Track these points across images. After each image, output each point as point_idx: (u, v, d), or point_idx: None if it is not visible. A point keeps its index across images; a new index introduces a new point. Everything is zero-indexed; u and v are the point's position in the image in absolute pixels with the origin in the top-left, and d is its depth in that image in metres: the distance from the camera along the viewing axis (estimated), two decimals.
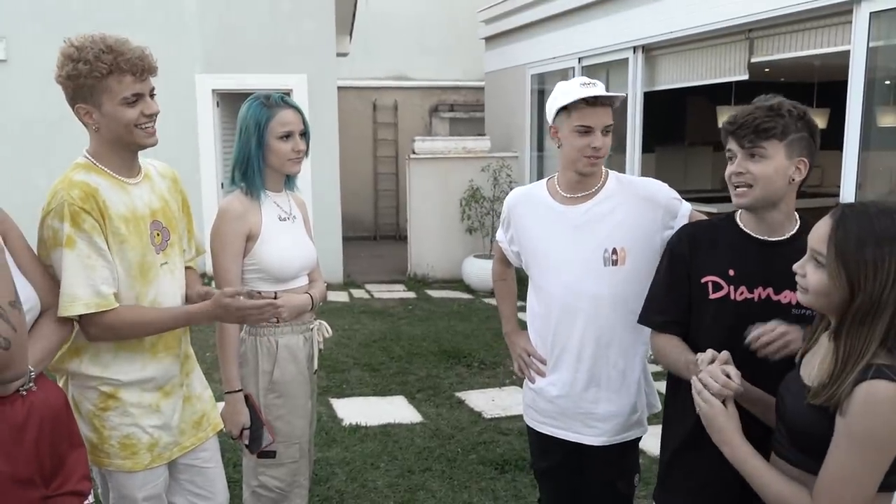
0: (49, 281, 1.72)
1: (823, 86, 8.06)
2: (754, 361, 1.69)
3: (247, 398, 2.19)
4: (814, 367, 1.44)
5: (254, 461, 2.25)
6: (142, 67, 1.79)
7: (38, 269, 1.69)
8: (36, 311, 1.64)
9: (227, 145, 8.20)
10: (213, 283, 2.21)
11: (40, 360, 1.60)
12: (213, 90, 7.78)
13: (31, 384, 1.55)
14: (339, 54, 8.46)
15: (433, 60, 11.77)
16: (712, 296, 1.81)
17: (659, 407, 2.14)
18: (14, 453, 1.48)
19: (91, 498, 1.69)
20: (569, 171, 2.11)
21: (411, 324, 6.48)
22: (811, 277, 1.43)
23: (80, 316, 1.74)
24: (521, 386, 4.75)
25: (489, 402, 4.59)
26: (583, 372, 2.12)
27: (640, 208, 2.09)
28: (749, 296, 1.79)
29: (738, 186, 1.76)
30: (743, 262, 1.80)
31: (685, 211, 2.13)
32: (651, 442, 2.30)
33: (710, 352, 1.62)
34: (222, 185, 7.97)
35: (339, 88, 8.14)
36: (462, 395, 4.71)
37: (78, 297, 1.72)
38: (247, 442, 2.18)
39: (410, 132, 10.90)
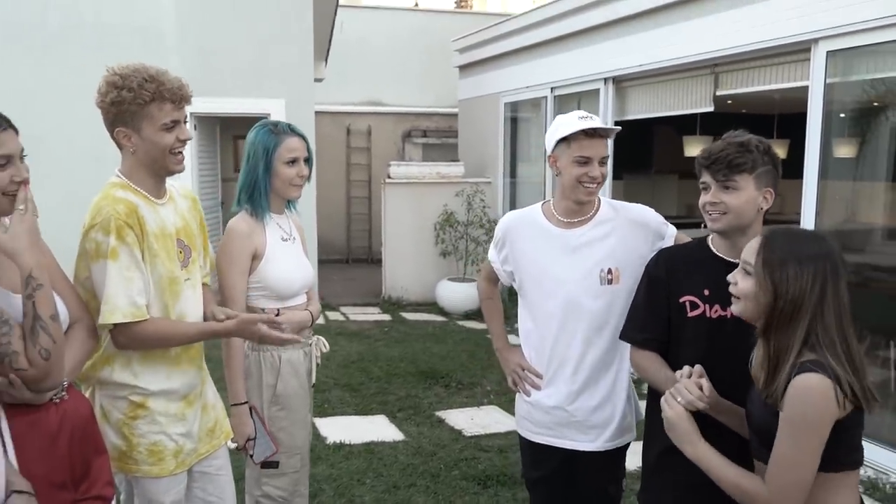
0: (76, 295, 1.82)
1: (784, 118, 8.44)
2: (728, 374, 1.85)
3: (252, 410, 2.29)
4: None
5: (257, 471, 2.34)
6: (180, 96, 1.92)
7: (67, 283, 1.79)
8: (66, 324, 1.73)
9: (203, 168, 8.25)
10: (219, 299, 2.31)
11: (70, 370, 1.69)
12: (191, 113, 7.84)
13: (63, 393, 1.64)
14: (315, 80, 8.59)
15: (407, 87, 11.98)
16: (690, 314, 1.98)
17: (643, 414, 2.29)
18: (50, 458, 1.56)
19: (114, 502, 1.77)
20: (567, 199, 2.27)
21: (388, 345, 6.57)
22: (741, 284, 1.64)
23: (115, 324, 1.84)
24: (499, 406, 4.91)
25: (468, 420, 4.70)
26: (579, 383, 2.26)
27: (633, 232, 2.26)
28: (723, 313, 1.96)
29: (712, 214, 1.94)
30: (716, 282, 1.96)
31: (671, 233, 2.31)
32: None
33: (687, 368, 1.82)
34: None
35: (315, 113, 8.26)
36: (442, 414, 4.82)
37: (118, 308, 1.82)
38: (252, 452, 2.27)
39: (384, 157, 11.06)
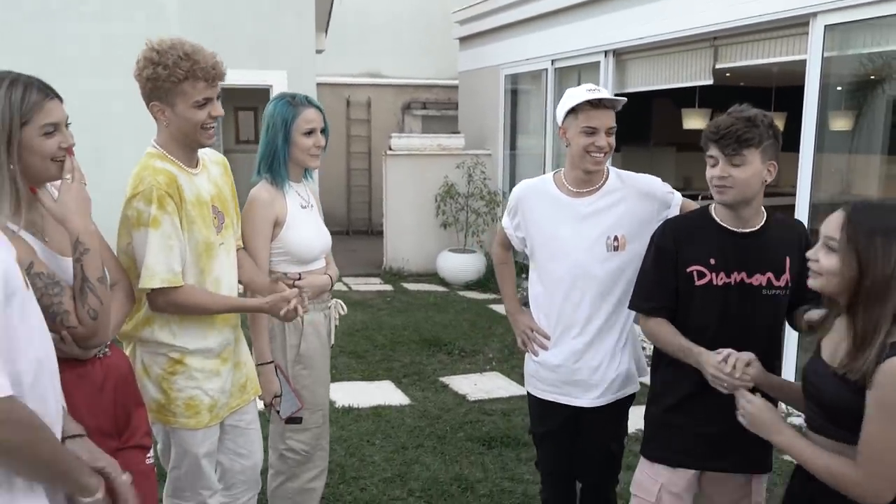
0: (115, 259, 1.92)
1: (781, 91, 8.50)
2: (734, 339, 1.98)
3: (277, 369, 2.41)
4: (834, 348, 1.63)
5: (281, 426, 2.47)
6: (213, 75, 2.01)
7: (107, 248, 1.89)
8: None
9: None
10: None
11: (112, 329, 1.80)
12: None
13: (106, 349, 1.76)
14: (316, 51, 8.61)
15: (406, 58, 11.97)
16: (698, 283, 2.09)
17: (647, 370, 2.43)
18: (97, 408, 1.69)
19: (151, 452, 1.89)
20: (577, 168, 2.37)
21: (391, 315, 6.71)
22: (824, 261, 1.60)
23: (153, 289, 1.95)
24: (501, 372, 5.06)
25: (472, 385, 4.85)
26: (583, 344, 2.39)
27: (640, 201, 2.37)
28: (727, 280, 2.08)
29: (720, 187, 2.03)
30: (721, 251, 2.08)
31: (677, 201, 2.42)
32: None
33: (725, 351, 1.90)
34: None
35: (315, 85, 8.30)
36: (446, 379, 4.96)
37: (157, 273, 1.94)
38: (278, 408, 2.40)
39: (383, 129, 11.10)
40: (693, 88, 6.97)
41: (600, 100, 2.27)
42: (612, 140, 2.32)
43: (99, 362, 1.73)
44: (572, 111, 2.31)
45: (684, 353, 2.04)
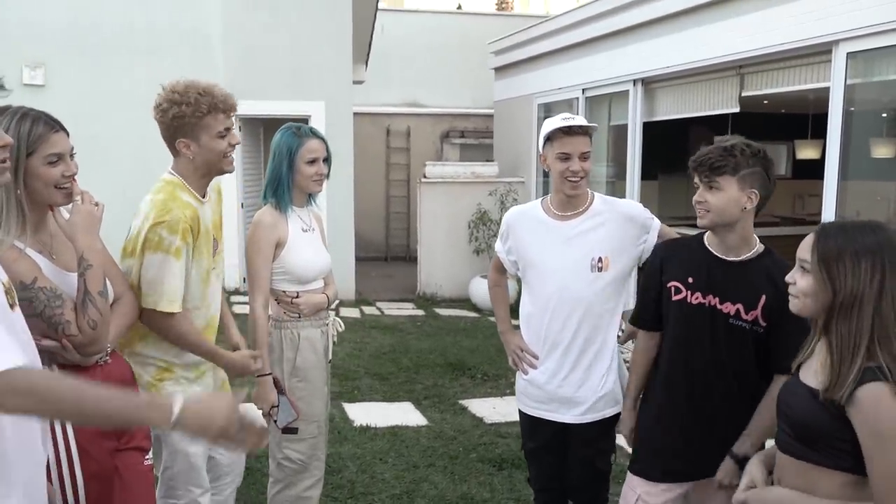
0: (121, 274, 2.09)
1: (819, 118, 8.40)
2: (700, 356, 2.12)
3: (274, 381, 2.55)
4: (815, 371, 1.62)
5: (279, 436, 2.60)
6: (230, 105, 2.24)
7: (114, 264, 2.06)
8: (111, 299, 2.00)
9: (248, 167, 8.63)
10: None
11: (113, 337, 1.96)
12: (236, 116, 8.20)
13: (107, 357, 1.92)
14: (355, 82, 8.90)
15: (445, 88, 12.23)
16: (674, 298, 2.19)
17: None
18: None
19: (150, 454, 2.04)
20: (559, 192, 2.49)
21: (419, 339, 6.82)
22: (800, 283, 1.64)
23: (153, 309, 2.13)
24: None
25: (490, 409, 4.91)
26: (569, 361, 2.48)
27: (622, 224, 2.48)
28: (702, 301, 2.15)
29: (699, 211, 2.14)
30: (700, 272, 2.17)
31: (656, 226, 2.52)
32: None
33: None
34: (242, 204, 8.38)
35: (355, 114, 8.56)
36: (465, 402, 5.03)
37: (175, 300, 2.14)
38: (276, 418, 2.54)
39: (422, 157, 11.32)
40: (726, 116, 6.99)
41: (570, 127, 2.37)
42: (587, 165, 2.42)
43: (100, 369, 1.89)
44: (549, 139, 2.42)
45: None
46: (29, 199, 1.76)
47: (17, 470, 1.41)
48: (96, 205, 1.87)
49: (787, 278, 1.72)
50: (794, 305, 1.69)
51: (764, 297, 2.07)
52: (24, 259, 1.72)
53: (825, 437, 1.57)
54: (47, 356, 1.77)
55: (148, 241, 2.14)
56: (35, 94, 7.27)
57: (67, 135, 1.83)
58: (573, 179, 2.40)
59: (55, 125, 1.81)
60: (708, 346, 2.13)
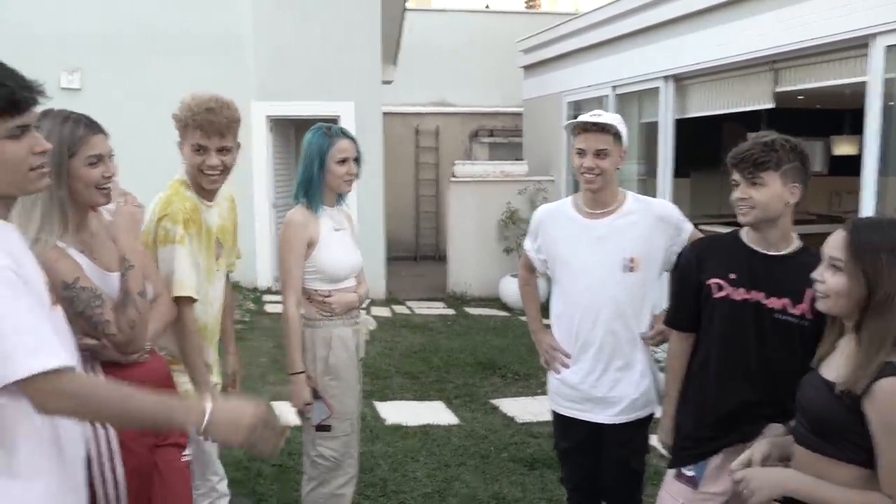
0: (160, 275, 2.13)
1: (856, 113, 8.23)
2: (745, 353, 2.08)
3: (308, 378, 2.58)
4: (837, 367, 1.64)
5: (312, 434, 2.63)
6: (212, 127, 2.24)
7: (153, 265, 2.10)
8: (151, 299, 2.04)
9: (278, 167, 8.72)
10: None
11: (152, 336, 2.00)
12: (267, 116, 8.32)
13: (146, 355, 1.96)
14: (384, 82, 8.94)
15: (474, 87, 12.23)
16: (716, 295, 2.16)
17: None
18: None
19: (188, 450, 2.07)
20: (583, 190, 2.49)
21: (449, 338, 6.82)
22: (830, 281, 1.63)
23: (176, 297, 2.18)
24: None
25: (522, 408, 4.90)
26: (602, 361, 2.46)
27: (655, 224, 2.46)
28: (746, 297, 2.13)
29: (741, 208, 2.11)
30: (743, 268, 2.14)
31: (688, 229, 2.51)
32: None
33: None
34: (273, 204, 8.47)
35: (384, 114, 8.60)
36: (496, 402, 5.03)
37: (186, 285, 2.18)
38: (309, 415, 2.57)
39: (451, 156, 11.33)
40: (759, 112, 6.88)
41: (584, 123, 2.38)
42: (604, 162, 2.40)
43: (139, 367, 1.92)
44: (572, 135, 2.43)
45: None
46: (70, 200, 1.80)
47: (66, 452, 1.46)
48: (138, 206, 1.92)
49: (814, 275, 1.71)
50: (824, 304, 1.69)
51: (809, 291, 2.04)
52: (66, 259, 1.76)
53: (840, 431, 1.59)
54: (88, 354, 1.82)
55: (157, 237, 2.22)
56: (72, 98, 7.42)
57: (107, 137, 1.88)
58: (587, 175, 2.40)
59: (95, 127, 1.85)
60: (753, 343, 2.10)
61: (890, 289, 1.54)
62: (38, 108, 1.45)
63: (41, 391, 1.31)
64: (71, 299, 1.75)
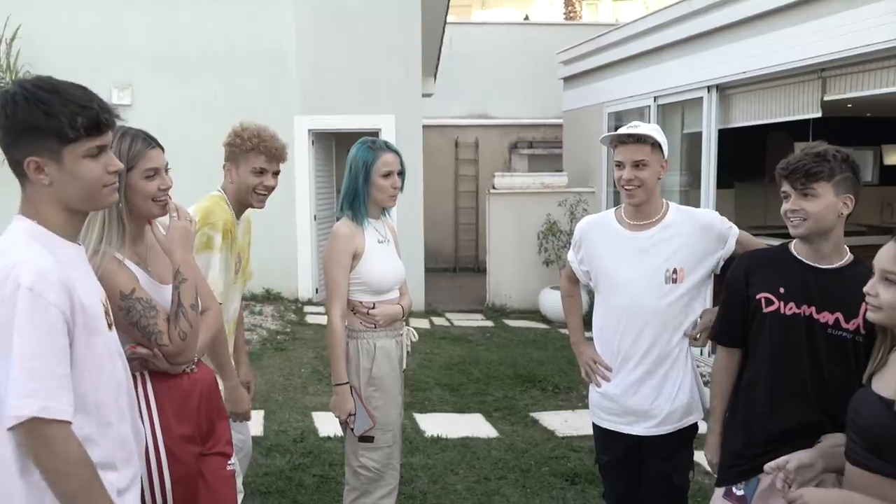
0: (209, 289, 2.18)
1: None
2: (799, 369, 2.03)
3: (351, 389, 2.61)
4: (893, 383, 1.61)
5: (355, 445, 2.65)
6: (274, 153, 2.52)
7: (202, 277, 2.15)
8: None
9: (320, 181, 8.83)
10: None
11: (200, 348, 2.04)
12: (309, 130, 8.44)
13: (194, 366, 2.00)
14: (424, 95, 9.00)
15: (513, 99, 12.24)
16: (765, 310, 2.12)
17: (707, 404, 2.44)
18: (183, 416, 1.92)
19: (233, 460, 2.11)
20: (624, 202, 2.48)
21: (489, 350, 6.81)
22: (884, 295, 1.61)
23: None
24: None
25: (562, 422, 4.85)
26: (643, 373, 2.44)
27: (698, 235, 2.43)
28: (797, 311, 2.08)
29: (793, 220, 2.07)
30: (793, 282, 2.10)
31: (735, 233, 2.47)
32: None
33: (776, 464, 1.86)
34: (315, 216, 8.57)
35: (424, 127, 8.65)
36: (536, 415, 4.99)
37: (217, 289, 2.32)
38: (352, 426, 2.59)
39: (490, 168, 11.34)
40: (807, 121, 6.74)
41: (620, 135, 2.38)
42: (643, 173, 2.38)
43: (187, 377, 1.97)
44: (612, 148, 2.44)
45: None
46: (128, 212, 1.87)
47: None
48: (190, 221, 1.97)
49: (867, 288, 1.68)
50: (877, 317, 1.66)
51: (863, 306, 1.98)
52: (123, 270, 1.82)
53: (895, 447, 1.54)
54: (138, 363, 1.86)
55: (197, 244, 2.30)
56: (123, 113, 7.59)
57: (163, 150, 1.94)
58: (627, 188, 2.40)
59: (152, 141, 1.92)
60: (806, 358, 2.05)
61: None
62: None
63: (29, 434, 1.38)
64: (127, 309, 1.80)
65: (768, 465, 1.85)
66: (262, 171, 2.52)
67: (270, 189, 2.56)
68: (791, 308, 2.08)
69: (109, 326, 1.57)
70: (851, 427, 1.69)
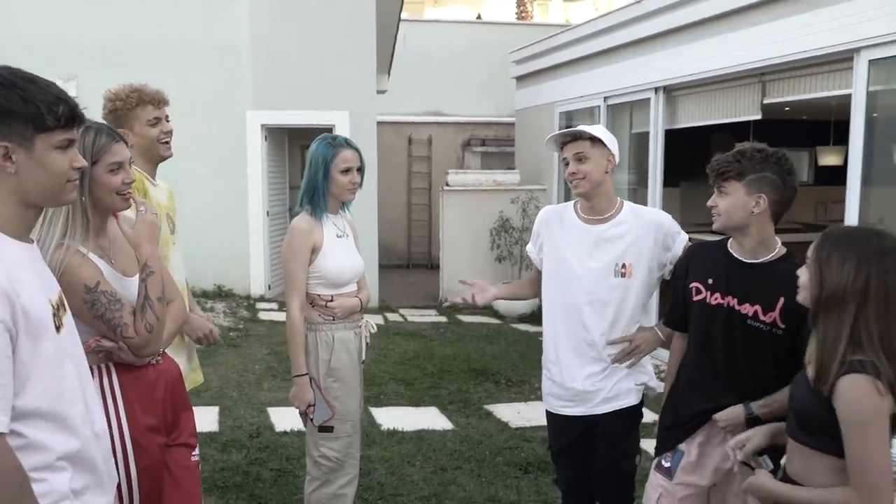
0: (173, 282, 2.20)
1: (841, 124, 8.37)
2: (720, 355, 2.21)
3: (311, 381, 2.66)
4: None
5: (315, 435, 2.70)
6: (158, 99, 2.53)
7: (166, 271, 2.17)
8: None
9: (273, 176, 8.77)
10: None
11: (165, 339, 2.06)
12: (262, 125, 8.38)
13: (159, 358, 2.02)
14: (378, 91, 9.03)
15: (466, 97, 12.35)
16: (694, 298, 2.28)
17: (654, 386, 2.65)
18: (148, 406, 1.94)
19: (197, 451, 2.14)
20: (576, 197, 2.61)
21: (443, 345, 6.89)
22: (802, 275, 1.79)
23: None
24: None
25: (515, 414, 4.97)
26: (592, 359, 2.57)
27: (649, 233, 2.56)
28: (720, 301, 2.22)
29: (713, 215, 2.23)
30: (720, 274, 2.24)
31: (683, 238, 2.61)
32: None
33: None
34: (267, 212, 8.52)
35: (378, 123, 8.68)
36: (490, 407, 5.10)
37: None
38: (312, 416, 2.64)
39: (444, 165, 11.42)
40: (748, 123, 7.01)
41: (557, 136, 2.57)
42: (585, 166, 2.51)
43: (152, 368, 1.99)
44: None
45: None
46: (92, 206, 1.88)
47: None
48: (155, 215, 1.99)
49: (800, 272, 1.83)
50: (799, 296, 1.81)
51: (782, 299, 2.10)
52: (87, 263, 1.83)
53: (819, 424, 1.69)
54: (104, 355, 1.88)
55: None
56: None
57: (126, 144, 1.95)
58: (572, 180, 2.55)
59: (115, 136, 1.93)
60: (726, 346, 2.19)
61: (835, 288, 1.65)
62: None
63: None
64: (92, 302, 1.81)
65: (733, 446, 2.03)
66: (157, 120, 2.53)
67: (171, 133, 2.59)
68: (716, 298, 2.22)
69: (58, 329, 1.47)
70: (789, 406, 1.84)
